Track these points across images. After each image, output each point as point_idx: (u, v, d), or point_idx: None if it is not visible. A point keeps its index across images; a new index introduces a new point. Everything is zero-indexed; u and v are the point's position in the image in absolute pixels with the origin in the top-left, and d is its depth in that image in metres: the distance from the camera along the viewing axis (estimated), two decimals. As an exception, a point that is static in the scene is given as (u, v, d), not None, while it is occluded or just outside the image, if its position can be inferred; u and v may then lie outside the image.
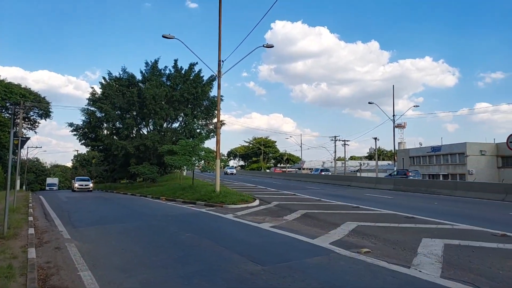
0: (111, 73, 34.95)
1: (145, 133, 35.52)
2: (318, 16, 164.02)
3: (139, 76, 35.08)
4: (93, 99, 33.80)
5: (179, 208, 14.52)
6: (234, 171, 56.93)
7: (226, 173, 50.61)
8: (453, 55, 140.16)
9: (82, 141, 35.79)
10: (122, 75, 34.95)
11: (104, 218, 11.77)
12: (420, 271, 5.21)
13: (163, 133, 34.46)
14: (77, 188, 31.28)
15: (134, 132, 35.96)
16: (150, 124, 35.48)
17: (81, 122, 34.59)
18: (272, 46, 19.28)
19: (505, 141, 19.28)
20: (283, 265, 5.47)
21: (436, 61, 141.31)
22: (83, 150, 68.67)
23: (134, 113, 34.27)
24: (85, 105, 34.56)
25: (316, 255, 6.13)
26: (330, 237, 7.75)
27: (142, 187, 29.08)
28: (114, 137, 35.07)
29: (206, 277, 4.95)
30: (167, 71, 35.06)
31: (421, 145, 55.53)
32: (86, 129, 34.90)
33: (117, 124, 35.01)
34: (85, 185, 32.04)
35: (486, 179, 39.15)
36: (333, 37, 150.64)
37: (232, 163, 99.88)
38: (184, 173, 36.52)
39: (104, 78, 34.71)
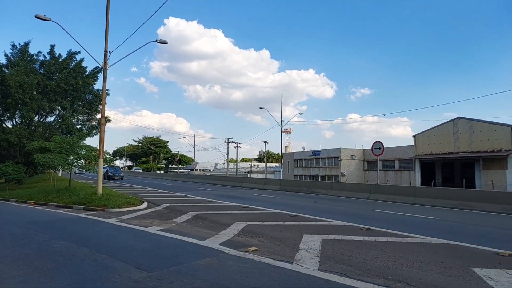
0: (-38, 53, 28.78)
1: (10, 126, 30.32)
2: (214, 19, 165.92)
3: (3, 60, 29.83)
4: None
5: (52, 213, 12.75)
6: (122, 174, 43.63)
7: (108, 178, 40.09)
8: (332, 70, 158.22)
9: None
10: (-21, 56, 29.18)
11: None
12: (301, 266, 5.60)
13: (33, 128, 29.90)
14: None
15: (-6, 125, 30.35)
16: (16, 117, 30.36)
17: None
18: (166, 42, 18.54)
19: (370, 147, 22.47)
20: (171, 270, 5.23)
21: (318, 74, 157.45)
22: None
23: (-5, 103, 28.95)
24: None
25: (206, 257, 6.05)
26: (220, 238, 7.78)
27: (4, 189, 24.61)
28: (-33, 130, 29.02)
29: (82, 290, 4.40)
30: (41, 57, 30.59)
31: (304, 149, 60.82)
32: None
33: (-29, 115, 29.09)
34: None
35: (355, 180, 45.09)
36: (228, 41, 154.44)
37: (118, 163, 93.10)
38: (60, 174, 32.40)
39: (-48, 57, 28.47)
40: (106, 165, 33.97)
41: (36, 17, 15.26)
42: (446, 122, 38.66)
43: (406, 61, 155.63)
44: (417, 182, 39.31)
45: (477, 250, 7.07)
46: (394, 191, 18.89)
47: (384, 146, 21.41)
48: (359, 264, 5.82)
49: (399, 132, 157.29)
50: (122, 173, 43.63)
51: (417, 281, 5.02)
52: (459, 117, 37.38)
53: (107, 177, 38.99)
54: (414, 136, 41.71)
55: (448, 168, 42.02)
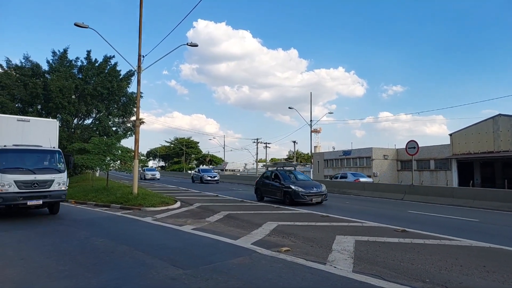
0: (10, 61, 30.73)
1: (52, 129, 32.06)
2: (242, 20, 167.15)
3: (45, 66, 31.58)
4: (-15, 89, 29.37)
5: (91, 211, 13.37)
6: (157, 174, 43.36)
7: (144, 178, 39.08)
8: (362, 68, 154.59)
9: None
10: (24, 64, 31.01)
11: (-2, 224, 10.24)
12: (335, 267, 5.54)
13: (72, 130, 31.50)
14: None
15: (38, 128, 32.21)
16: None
17: (-32, 115, 29.82)
18: (197, 45, 18.88)
19: (404, 147, 21.78)
20: (205, 268, 5.35)
21: (348, 72, 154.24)
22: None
23: (39, 107, 30.70)
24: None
25: (239, 256, 6.13)
26: (252, 238, 7.85)
27: (46, 189, 26.08)
28: (13, 132, 31.00)
29: (123, 285, 4.60)
30: (79, 63, 32.20)
31: (334, 149, 59.91)
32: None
33: (17, 118, 31.02)
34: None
35: (388, 180, 43.84)
36: (256, 41, 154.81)
37: (151, 163, 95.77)
38: (97, 174, 33.82)
39: (0, 65, 30.45)
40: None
41: (76, 24, 16.02)
42: (485, 120, 36.75)
43: (440, 58, 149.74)
44: (454, 182, 37.66)
45: (522, 255, 6.70)
46: (429, 192, 18.22)
47: (419, 145, 20.68)
48: (395, 266, 5.69)
49: (434, 131, 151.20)
50: (217, 176, 34.85)
51: (457, 285, 4.84)
52: (499, 114, 35.43)
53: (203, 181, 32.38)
54: (450, 135, 40.00)
55: (487, 168, 39.95)
